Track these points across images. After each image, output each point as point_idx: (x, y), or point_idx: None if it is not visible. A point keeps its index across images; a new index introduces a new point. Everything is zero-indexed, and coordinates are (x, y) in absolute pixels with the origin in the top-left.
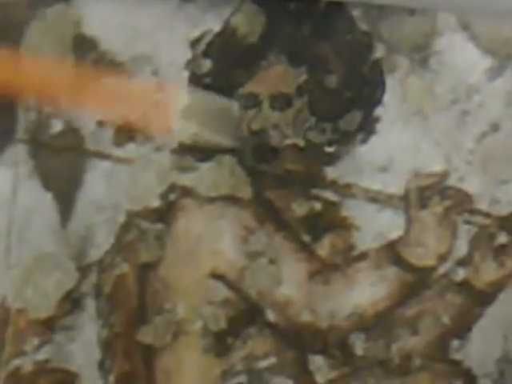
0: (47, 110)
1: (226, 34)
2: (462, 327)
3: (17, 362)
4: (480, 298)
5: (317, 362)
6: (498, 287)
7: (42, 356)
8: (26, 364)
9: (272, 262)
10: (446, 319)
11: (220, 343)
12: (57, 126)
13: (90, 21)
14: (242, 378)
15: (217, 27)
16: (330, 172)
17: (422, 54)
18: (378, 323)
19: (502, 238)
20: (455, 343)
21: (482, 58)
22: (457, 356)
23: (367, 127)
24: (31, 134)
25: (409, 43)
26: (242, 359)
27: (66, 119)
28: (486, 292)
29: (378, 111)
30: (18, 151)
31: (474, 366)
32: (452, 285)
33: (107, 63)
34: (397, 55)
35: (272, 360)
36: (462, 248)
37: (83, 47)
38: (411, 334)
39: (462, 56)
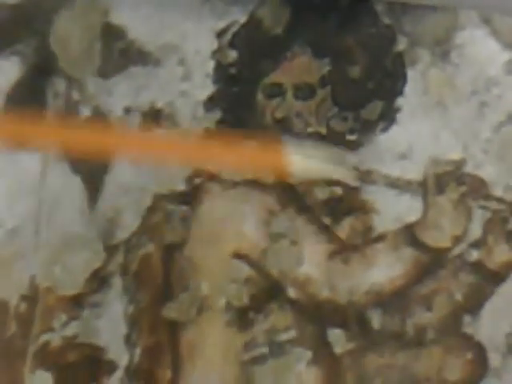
0: (75, 96)
1: (252, 25)
2: (474, 304)
3: (45, 337)
4: (492, 278)
5: (335, 334)
6: (509, 268)
7: (69, 331)
8: (55, 339)
9: (294, 243)
10: (459, 296)
11: (242, 318)
12: (85, 112)
13: (118, 10)
14: (264, 349)
15: (242, 19)
16: (352, 159)
17: (443, 47)
18: (394, 299)
19: None
20: (467, 318)
21: (502, 51)
22: (468, 330)
23: (388, 117)
24: (60, 119)
25: (431, 37)
26: (263, 332)
27: (94, 105)
28: (498, 272)
29: (399, 102)
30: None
31: (484, 340)
32: (466, 265)
33: (135, 52)
34: (419, 48)
35: (292, 333)
36: (476, 231)
37: (111, 36)
38: (426, 309)
39: (482, 50)
